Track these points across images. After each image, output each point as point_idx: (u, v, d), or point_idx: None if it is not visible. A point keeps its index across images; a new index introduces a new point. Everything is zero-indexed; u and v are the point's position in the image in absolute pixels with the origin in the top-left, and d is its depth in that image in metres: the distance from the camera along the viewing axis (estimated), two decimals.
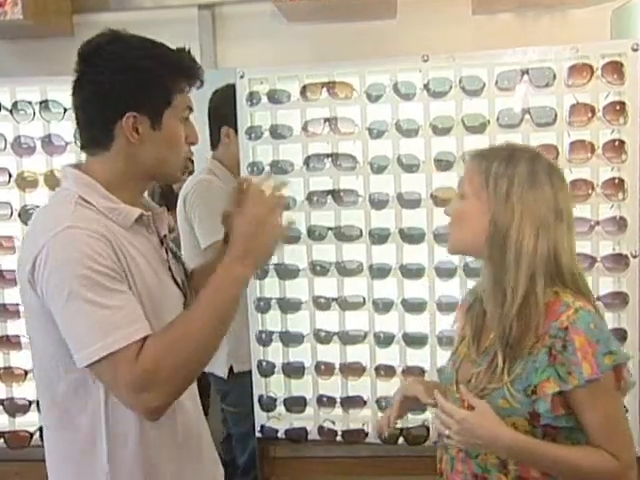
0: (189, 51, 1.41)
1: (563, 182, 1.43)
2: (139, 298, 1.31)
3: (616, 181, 2.09)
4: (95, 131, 1.37)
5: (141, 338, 1.24)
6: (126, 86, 1.33)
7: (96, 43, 1.35)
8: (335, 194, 2.23)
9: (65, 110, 2.30)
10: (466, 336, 1.52)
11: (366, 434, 2.30)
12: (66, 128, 2.33)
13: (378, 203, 2.21)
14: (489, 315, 1.42)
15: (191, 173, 2.51)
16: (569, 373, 1.31)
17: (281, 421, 2.33)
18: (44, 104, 2.34)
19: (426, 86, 2.16)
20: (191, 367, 1.29)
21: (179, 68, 1.38)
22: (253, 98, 2.26)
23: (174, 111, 1.38)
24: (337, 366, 2.29)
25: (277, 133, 2.28)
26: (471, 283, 2.17)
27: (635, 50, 2.05)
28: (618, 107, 2.07)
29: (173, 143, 1.40)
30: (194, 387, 1.48)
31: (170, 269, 1.46)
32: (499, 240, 1.38)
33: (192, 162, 2.54)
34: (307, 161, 2.26)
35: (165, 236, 1.49)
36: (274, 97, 2.27)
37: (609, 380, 1.34)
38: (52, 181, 2.32)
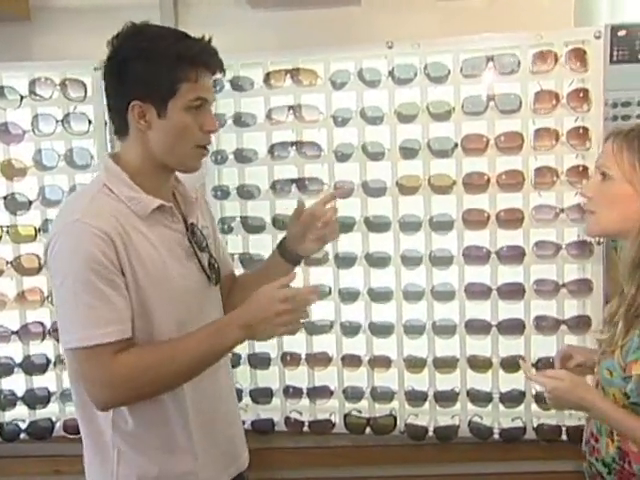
0: (203, 39, 1.44)
1: None
2: (139, 288, 1.40)
3: (580, 168, 2.09)
4: (115, 118, 1.48)
5: (117, 340, 1.36)
6: (131, 75, 1.41)
7: (118, 34, 1.44)
8: (300, 183, 2.21)
9: (22, 97, 2.23)
10: None
11: (333, 424, 2.28)
12: (24, 116, 2.26)
13: (343, 191, 2.19)
14: (624, 293, 1.42)
15: None
16: None
17: (247, 412, 2.31)
18: None
19: (391, 73, 2.14)
20: (154, 390, 1.41)
21: (184, 57, 1.40)
22: (216, 85, 2.22)
23: (180, 100, 1.41)
24: (303, 356, 2.27)
25: (241, 121, 2.25)
26: (437, 272, 2.18)
27: (598, 37, 2.05)
28: (582, 94, 2.07)
29: (180, 132, 1.43)
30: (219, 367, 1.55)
31: (196, 255, 1.54)
32: None
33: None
34: (271, 149, 2.23)
35: (192, 224, 1.56)
36: (237, 84, 2.24)
37: None
38: (9, 171, 2.26)
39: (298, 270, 2.19)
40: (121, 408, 1.45)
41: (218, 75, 1.52)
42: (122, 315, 1.38)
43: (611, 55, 2.04)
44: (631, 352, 1.35)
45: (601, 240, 2.08)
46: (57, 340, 2.29)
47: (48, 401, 2.35)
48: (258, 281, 1.60)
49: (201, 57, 1.43)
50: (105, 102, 1.52)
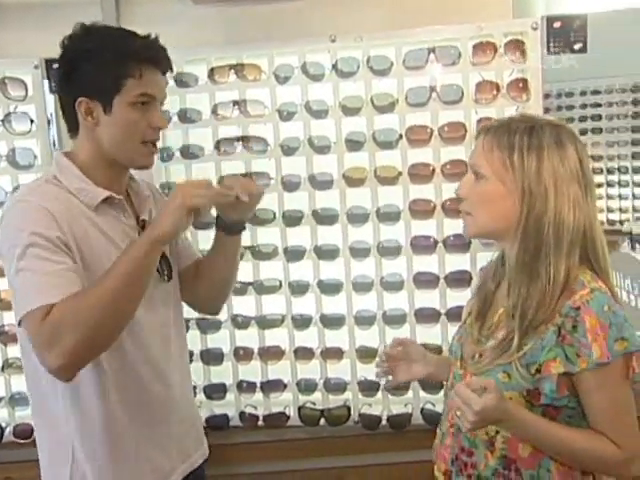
0: (149, 36, 1.48)
1: (584, 149, 1.35)
2: (90, 273, 1.40)
3: None
4: (65, 116, 1.52)
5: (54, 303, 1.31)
6: (78, 73, 1.44)
7: (69, 35, 1.47)
8: (247, 177, 2.21)
9: None
10: (472, 312, 1.49)
11: (287, 417, 2.29)
12: None
13: (290, 185, 2.20)
14: (512, 293, 1.34)
15: None
16: (578, 355, 1.27)
17: (202, 409, 2.30)
18: None
19: (335, 67, 2.16)
20: (91, 327, 1.31)
21: (128, 53, 1.43)
22: None
23: (126, 96, 1.44)
24: (256, 351, 2.28)
25: (186, 117, 2.24)
26: (386, 262, 2.21)
27: (535, 29, 2.09)
28: (521, 84, 2.12)
29: (126, 127, 1.46)
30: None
31: None
32: (535, 221, 1.30)
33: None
34: (218, 145, 2.23)
35: (143, 220, 1.56)
36: (182, 81, 2.23)
37: (618, 366, 1.28)
38: None
39: (247, 265, 2.21)
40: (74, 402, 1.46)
41: (167, 73, 1.53)
42: (69, 280, 1.35)
43: (548, 46, 2.09)
44: (543, 352, 1.29)
45: None
46: (4, 344, 2.26)
47: None
48: (212, 259, 1.70)
49: (145, 53, 1.45)
50: (47, 101, 1.52)
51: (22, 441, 2.23)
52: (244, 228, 1.69)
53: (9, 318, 2.22)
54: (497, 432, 1.34)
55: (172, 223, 1.38)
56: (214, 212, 1.65)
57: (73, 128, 1.52)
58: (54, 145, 2.25)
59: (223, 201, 1.48)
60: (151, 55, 1.47)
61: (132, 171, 1.61)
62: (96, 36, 1.47)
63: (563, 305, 1.29)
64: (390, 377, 1.65)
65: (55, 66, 1.53)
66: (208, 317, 2.25)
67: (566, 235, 1.30)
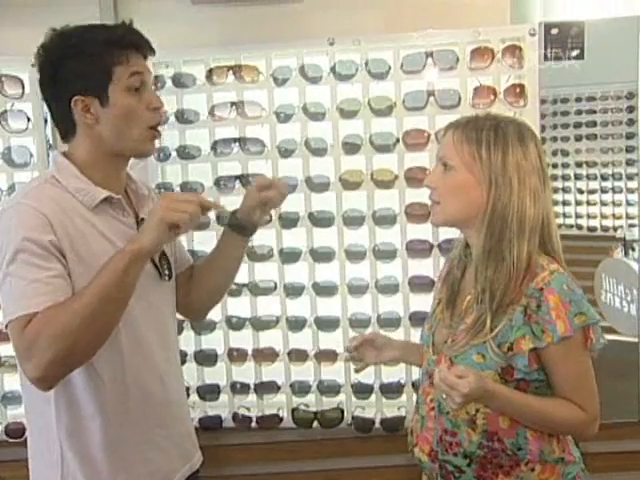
0: (125, 23, 1.49)
1: (542, 146, 1.48)
2: (90, 275, 1.36)
3: None
4: (59, 120, 1.50)
5: (37, 312, 1.31)
6: (66, 73, 1.43)
7: (42, 43, 1.46)
8: (243, 179, 2.21)
9: None
10: (442, 300, 1.59)
11: (281, 419, 2.29)
12: None
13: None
14: (479, 278, 1.44)
15: None
16: (543, 331, 1.38)
17: (195, 410, 2.29)
18: None
19: (333, 69, 2.16)
20: (68, 340, 1.29)
21: (110, 41, 1.43)
22: (158, 82, 2.21)
23: (118, 84, 1.44)
24: (250, 352, 2.28)
25: (183, 118, 2.24)
26: (381, 265, 2.21)
27: (532, 35, 2.11)
28: (518, 90, 2.13)
29: (127, 115, 1.45)
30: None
31: None
32: (500, 209, 1.41)
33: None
34: (214, 146, 2.23)
35: (142, 219, 1.53)
36: (179, 81, 2.23)
37: (579, 339, 1.40)
38: None
39: (243, 266, 2.21)
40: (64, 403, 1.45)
41: (150, 57, 1.53)
42: (57, 287, 1.34)
43: (545, 52, 2.10)
44: (513, 331, 1.39)
45: None
46: None
47: None
48: (213, 262, 1.71)
49: (127, 39, 1.46)
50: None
51: (14, 440, 2.22)
52: (255, 232, 1.71)
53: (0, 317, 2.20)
54: (477, 410, 1.44)
55: (151, 239, 1.36)
56: (230, 209, 1.68)
57: (70, 131, 1.49)
58: (49, 144, 2.24)
59: (204, 216, 1.47)
60: (133, 40, 1.47)
61: (129, 171, 1.61)
62: (74, 34, 1.45)
63: (527, 287, 1.40)
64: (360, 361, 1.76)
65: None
66: None
67: (528, 222, 1.41)
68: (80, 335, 1.30)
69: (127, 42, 1.45)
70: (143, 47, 1.49)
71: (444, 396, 1.35)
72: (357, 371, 1.82)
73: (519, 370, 1.41)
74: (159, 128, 1.53)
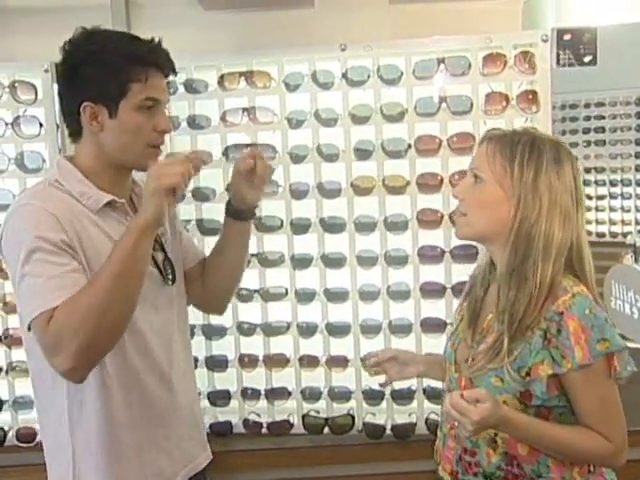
0: (153, 40, 1.47)
1: (578, 167, 1.42)
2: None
3: None
4: (68, 121, 1.51)
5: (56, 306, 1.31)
6: (82, 78, 1.44)
7: (70, 39, 1.46)
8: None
9: None
10: (464, 317, 1.54)
11: (291, 425, 2.29)
12: None
13: (298, 193, 2.20)
14: (501, 297, 1.40)
15: None
16: (563, 357, 1.33)
17: (205, 415, 2.29)
18: None
19: (344, 75, 2.16)
20: (90, 326, 1.30)
21: (133, 57, 1.43)
22: (170, 88, 2.20)
23: (131, 100, 1.44)
24: (261, 358, 2.28)
25: (195, 123, 2.24)
26: (393, 271, 2.21)
27: (545, 41, 2.10)
28: (530, 96, 2.12)
29: (131, 132, 1.46)
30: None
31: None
32: (527, 229, 1.36)
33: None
34: (226, 151, 2.23)
35: None
36: (191, 87, 2.23)
37: (601, 366, 1.34)
38: None
39: (254, 272, 2.21)
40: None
41: (171, 77, 1.53)
42: (73, 281, 1.35)
43: (557, 58, 2.10)
44: (531, 356, 1.35)
45: None
46: (9, 347, 2.25)
47: (0, 409, 2.30)
48: (221, 252, 1.72)
49: (150, 57, 1.46)
50: (57, 105, 1.52)
51: (25, 445, 2.22)
52: (254, 214, 1.72)
53: (13, 321, 2.21)
54: (496, 434, 1.40)
55: (153, 210, 1.36)
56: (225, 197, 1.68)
57: (76, 132, 1.51)
58: (60, 150, 2.25)
59: (197, 172, 1.45)
60: (156, 59, 1.47)
61: (135, 173, 1.61)
62: (99, 39, 1.46)
63: (547, 310, 1.35)
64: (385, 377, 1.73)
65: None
66: (213, 323, 2.26)
67: (554, 245, 1.36)
68: (102, 316, 1.31)
69: (149, 60, 1.45)
70: (165, 67, 1.49)
71: (456, 424, 1.29)
72: (382, 387, 1.82)
73: (537, 397, 1.35)
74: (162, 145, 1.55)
